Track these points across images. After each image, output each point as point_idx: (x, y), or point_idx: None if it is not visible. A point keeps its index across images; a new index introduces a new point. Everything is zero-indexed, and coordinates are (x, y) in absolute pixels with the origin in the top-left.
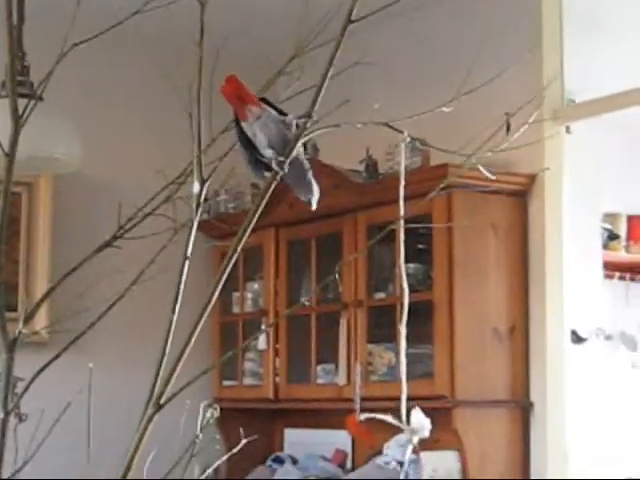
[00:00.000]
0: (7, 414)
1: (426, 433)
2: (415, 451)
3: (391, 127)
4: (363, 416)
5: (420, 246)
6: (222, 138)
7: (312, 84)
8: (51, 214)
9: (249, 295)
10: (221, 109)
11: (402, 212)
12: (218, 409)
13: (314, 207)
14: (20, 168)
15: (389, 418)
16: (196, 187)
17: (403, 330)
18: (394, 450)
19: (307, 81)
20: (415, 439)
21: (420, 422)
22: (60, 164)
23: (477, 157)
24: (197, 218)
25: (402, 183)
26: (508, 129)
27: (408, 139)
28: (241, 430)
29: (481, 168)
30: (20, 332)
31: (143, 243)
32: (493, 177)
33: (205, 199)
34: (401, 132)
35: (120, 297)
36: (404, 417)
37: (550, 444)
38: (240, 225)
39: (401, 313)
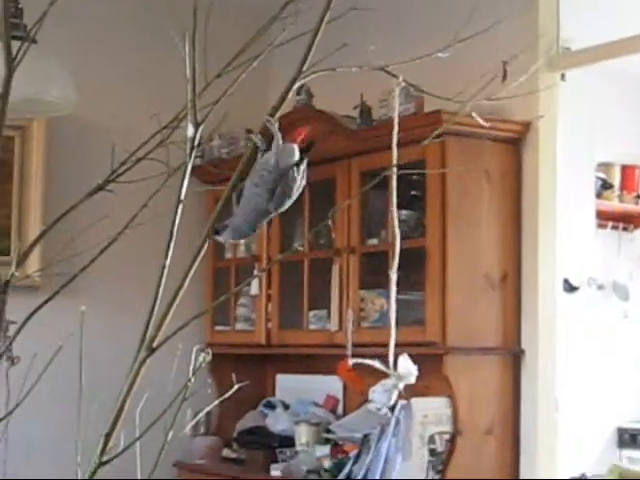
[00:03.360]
0: None
1: (412, 379)
2: (405, 397)
3: (387, 72)
4: (351, 362)
5: (413, 193)
6: (217, 82)
7: (308, 30)
8: (44, 158)
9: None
10: (216, 53)
11: (395, 156)
12: (210, 354)
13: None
14: (13, 111)
15: (376, 364)
16: (190, 130)
17: (394, 276)
18: (380, 395)
19: (302, 27)
20: (401, 385)
21: (407, 368)
22: (54, 107)
23: (472, 104)
24: (191, 161)
25: (396, 128)
26: (505, 76)
27: (403, 84)
28: (233, 375)
29: (474, 115)
30: (12, 274)
31: (136, 187)
32: (486, 124)
33: (199, 144)
34: (396, 77)
35: (112, 241)
36: (392, 363)
37: (540, 392)
38: (234, 170)
39: (392, 259)
